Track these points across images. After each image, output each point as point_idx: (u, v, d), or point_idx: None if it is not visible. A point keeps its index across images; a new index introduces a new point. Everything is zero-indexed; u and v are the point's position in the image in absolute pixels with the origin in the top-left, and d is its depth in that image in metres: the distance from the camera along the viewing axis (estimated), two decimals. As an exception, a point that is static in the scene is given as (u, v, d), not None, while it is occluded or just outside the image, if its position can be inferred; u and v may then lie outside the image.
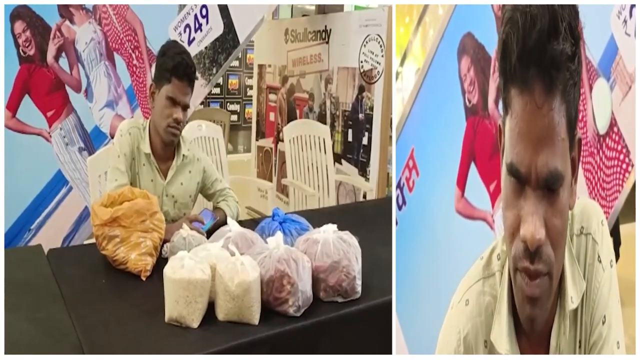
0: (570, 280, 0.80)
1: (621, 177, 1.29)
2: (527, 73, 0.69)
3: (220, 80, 6.45)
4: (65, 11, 2.40)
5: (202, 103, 5.23)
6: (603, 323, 0.80)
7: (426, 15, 1.88)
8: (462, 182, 1.69)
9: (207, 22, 2.67)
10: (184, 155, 1.76)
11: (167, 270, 1.16)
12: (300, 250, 1.31)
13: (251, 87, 5.35)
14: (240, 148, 6.72)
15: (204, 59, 2.71)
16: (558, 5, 0.67)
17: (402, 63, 2.01)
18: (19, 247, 2.25)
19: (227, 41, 2.71)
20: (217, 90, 6.52)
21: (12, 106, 2.31)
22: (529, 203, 0.72)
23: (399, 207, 1.88)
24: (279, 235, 1.28)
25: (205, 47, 2.70)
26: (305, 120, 3.62)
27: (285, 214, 1.61)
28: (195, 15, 2.65)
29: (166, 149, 1.75)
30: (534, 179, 0.71)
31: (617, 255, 2.38)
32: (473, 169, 1.66)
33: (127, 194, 1.50)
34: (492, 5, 1.57)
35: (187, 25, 2.65)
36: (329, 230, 1.34)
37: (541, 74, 0.68)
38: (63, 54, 2.41)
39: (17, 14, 2.29)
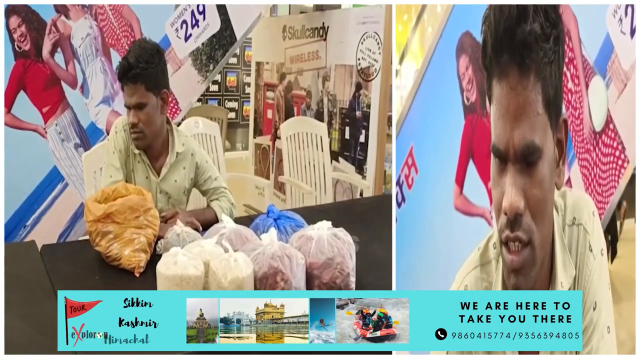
0: (560, 266, 0.84)
1: (617, 173, 1.30)
2: (501, 59, 0.75)
3: (218, 78, 6.44)
4: (60, 6, 2.39)
5: (199, 100, 5.22)
6: (594, 309, 0.84)
7: (424, 13, 1.88)
8: (460, 179, 1.69)
9: (204, 19, 2.66)
10: (177, 152, 1.75)
11: (160, 267, 1.15)
12: (295, 246, 1.30)
13: (249, 85, 5.34)
14: (238, 145, 6.71)
15: (201, 56, 2.70)
16: None
17: (400, 61, 2.00)
18: (12, 243, 2.24)
19: (224, 37, 2.70)
20: (215, 88, 6.50)
21: (8, 102, 2.29)
22: (509, 176, 0.77)
23: (398, 205, 1.88)
24: (273, 231, 1.28)
25: (202, 44, 2.68)
26: (303, 117, 3.60)
27: (280, 210, 1.61)
28: (192, 12, 2.64)
29: (158, 146, 1.74)
30: (512, 153, 0.76)
31: (615, 251, 2.38)
32: (471, 167, 1.66)
33: (121, 190, 1.49)
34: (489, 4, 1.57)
35: (184, 22, 2.63)
36: (323, 227, 1.34)
37: (513, 57, 0.74)
38: (59, 50, 2.40)
39: (12, 8, 2.27)
